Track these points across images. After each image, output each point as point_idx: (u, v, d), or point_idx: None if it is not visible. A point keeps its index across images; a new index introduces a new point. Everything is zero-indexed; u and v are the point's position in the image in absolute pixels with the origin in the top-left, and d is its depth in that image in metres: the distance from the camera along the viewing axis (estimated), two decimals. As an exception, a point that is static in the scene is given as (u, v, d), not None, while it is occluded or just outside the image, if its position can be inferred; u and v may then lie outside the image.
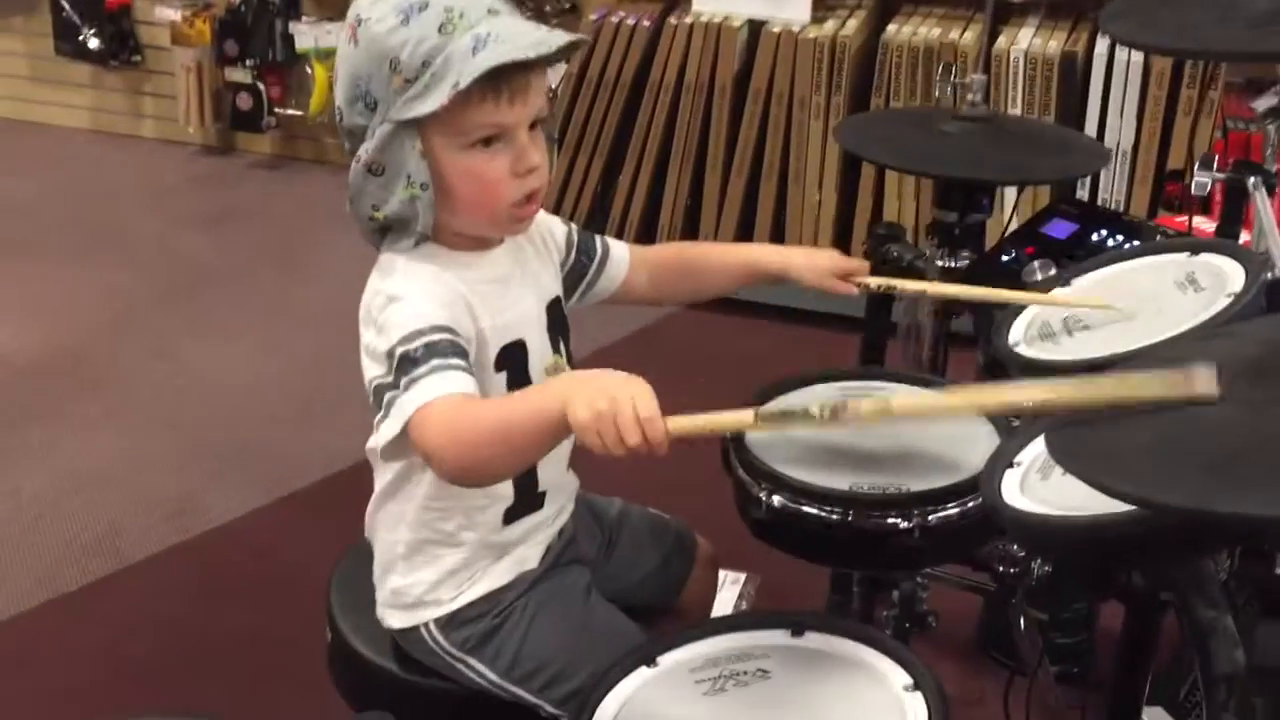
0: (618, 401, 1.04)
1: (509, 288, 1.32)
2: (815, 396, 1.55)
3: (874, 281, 1.54)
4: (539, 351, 1.34)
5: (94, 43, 4.25)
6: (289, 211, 3.95)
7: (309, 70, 4.03)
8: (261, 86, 4.12)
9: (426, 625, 1.35)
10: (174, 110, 4.25)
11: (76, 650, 2.19)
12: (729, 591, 2.29)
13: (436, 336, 1.19)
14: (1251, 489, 0.63)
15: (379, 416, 1.21)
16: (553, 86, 1.34)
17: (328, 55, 3.99)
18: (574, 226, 1.46)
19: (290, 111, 4.17)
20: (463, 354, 1.20)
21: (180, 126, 4.26)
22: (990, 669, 2.12)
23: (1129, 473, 0.69)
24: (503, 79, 1.18)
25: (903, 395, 1.13)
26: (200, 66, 4.13)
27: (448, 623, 1.35)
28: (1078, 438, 0.79)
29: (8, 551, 2.44)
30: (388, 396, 1.18)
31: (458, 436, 1.14)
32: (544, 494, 1.37)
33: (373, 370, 1.22)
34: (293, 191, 4.07)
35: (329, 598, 1.46)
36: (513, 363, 1.30)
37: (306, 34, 4.00)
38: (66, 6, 4.23)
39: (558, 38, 1.21)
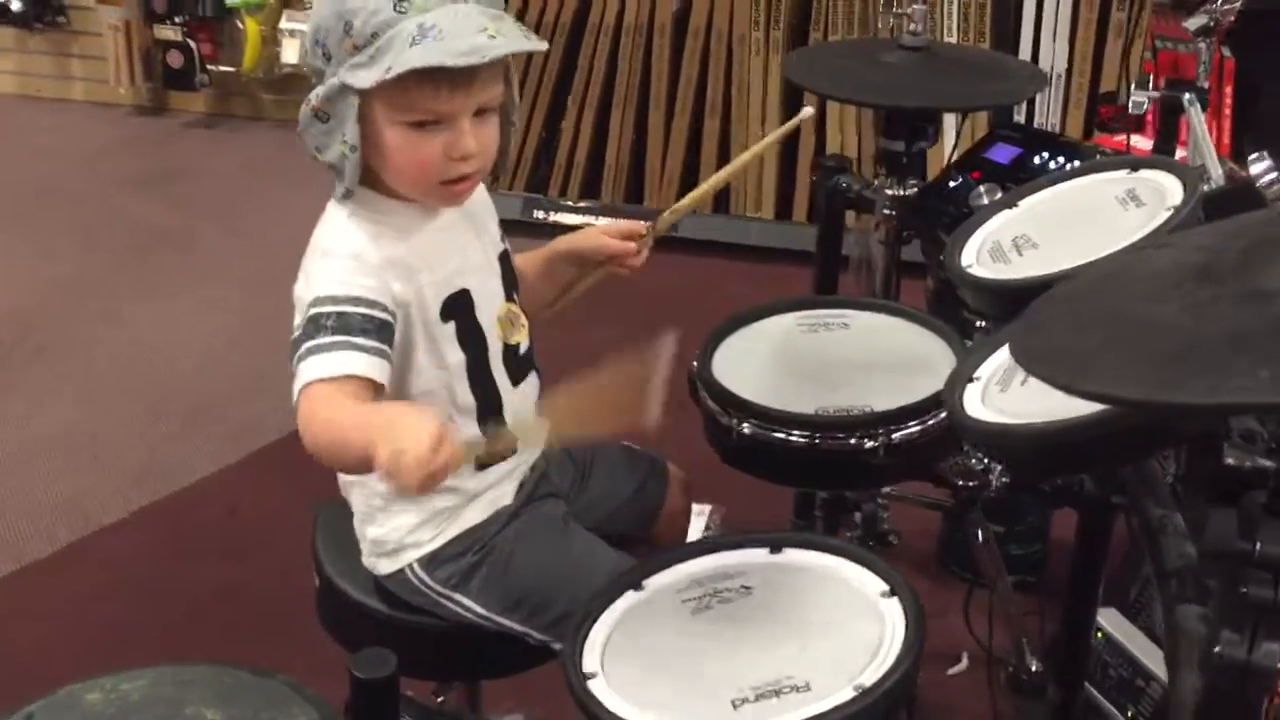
0: (398, 455, 1.07)
1: (453, 236, 1.34)
2: (768, 335, 1.61)
3: (644, 226, 1.53)
4: (489, 300, 1.36)
5: (16, 5, 4.16)
6: (229, 170, 3.91)
7: (240, 25, 3.97)
8: (192, 43, 4.06)
9: (410, 566, 1.39)
10: (103, 71, 4.18)
11: (48, 616, 2.19)
12: (696, 523, 2.34)
13: (351, 309, 1.22)
14: (1199, 379, 0.68)
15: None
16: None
17: (258, 9, 3.93)
18: None
19: (223, 68, 4.11)
20: (375, 329, 1.23)
21: (111, 88, 4.19)
22: (951, 583, 2.21)
23: (1090, 372, 0.74)
24: (442, 72, 1.19)
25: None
26: (128, 25, 4.06)
27: (430, 561, 1.38)
28: (1040, 345, 0.84)
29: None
30: (295, 357, 1.22)
31: (311, 427, 1.19)
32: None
33: (296, 317, 1.26)
34: (231, 149, 4.03)
35: (314, 544, 1.49)
36: (460, 313, 1.33)
37: (236, -13, 3.95)
38: (-16, -32, 4.14)
39: (497, 46, 1.19)
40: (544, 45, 1.29)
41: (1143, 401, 0.70)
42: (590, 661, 1.13)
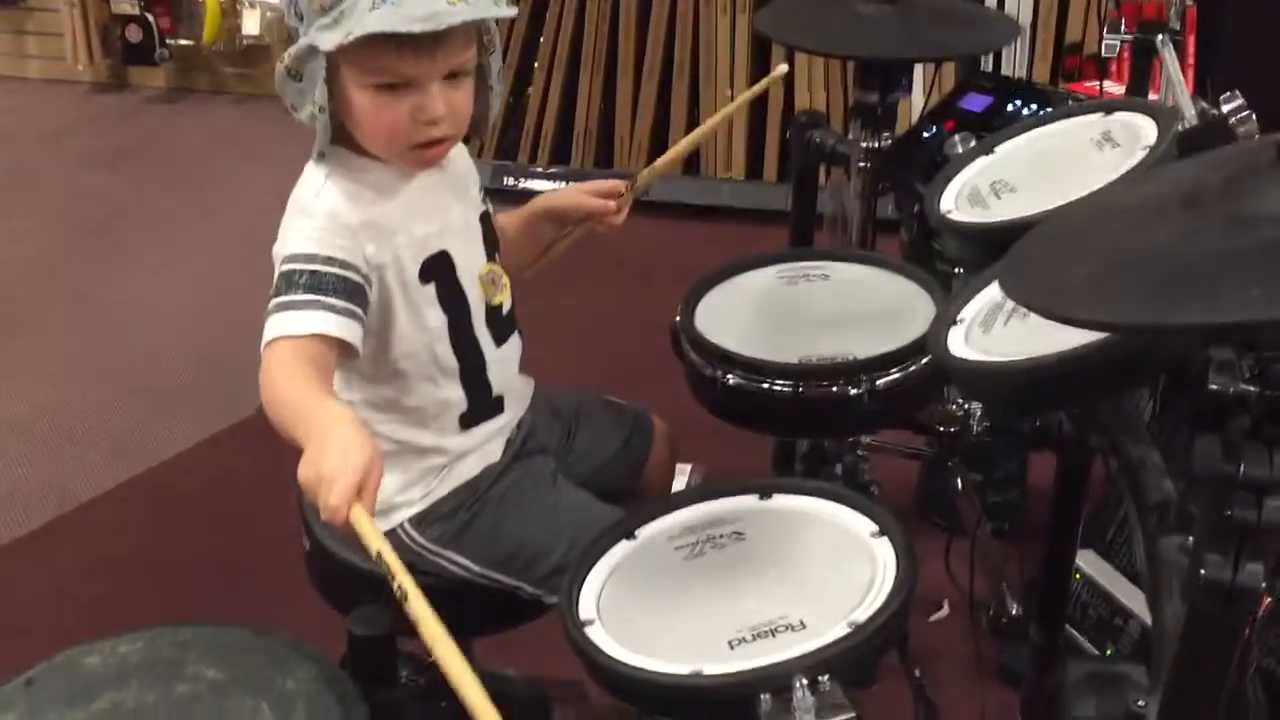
0: (320, 482, 1.04)
1: (433, 198, 1.34)
2: (749, 289, 1.61)
3: (623, 184, 1.54)
4: (469, 261, 1.37)
5: (-32, -18, 4.09)
6: (191, 144, 3.87)
7: (199, -3, 3.93)
8: (150, 18, 4.00)
9: (401, 525, 1.39)
10: (60, 48, 4.12)
11: (24, 595, 2.18)
12: (678, 482, 2.36)
13: (324, 268, 1.22)
14: (1192, 301, 0.70)
15: None
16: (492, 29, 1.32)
17: (217, -19, 3.89)
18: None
19: (183, 42, 4.06)
20: (347, 290, 1.22)
21: (69, 64, 4.13)
22: (930, 532, 2.24)
23: (1086, 301, 0.75)
24: (406, 36, 1.18)
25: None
26: (84, 1, 3.99)
27: (421, 520, 1.39)
28: (1031, 278, 0.85)
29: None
30: (266, 312, 1.21)
31: (265, 387, 1.17)
32: (500, 399, 1.41)
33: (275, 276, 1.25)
34: (192, 123, 3.99)
35: (302, 507, 1.49)
36: (440, 275, 1.33)
37: (193, -41, 3.90)
38: (-65, -54, 4.05)
39: (457, 13, 1.18)
40: (510, 11, 1.27)
41: (1141, 325, 0.72)
42: (586, 609, 1.15)
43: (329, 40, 1.19)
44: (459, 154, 1.39)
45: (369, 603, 1.18)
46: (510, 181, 3.42)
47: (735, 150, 3.37)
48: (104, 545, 2.30)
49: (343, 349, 1.21)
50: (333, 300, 1.21)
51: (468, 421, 1.38)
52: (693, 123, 3.35)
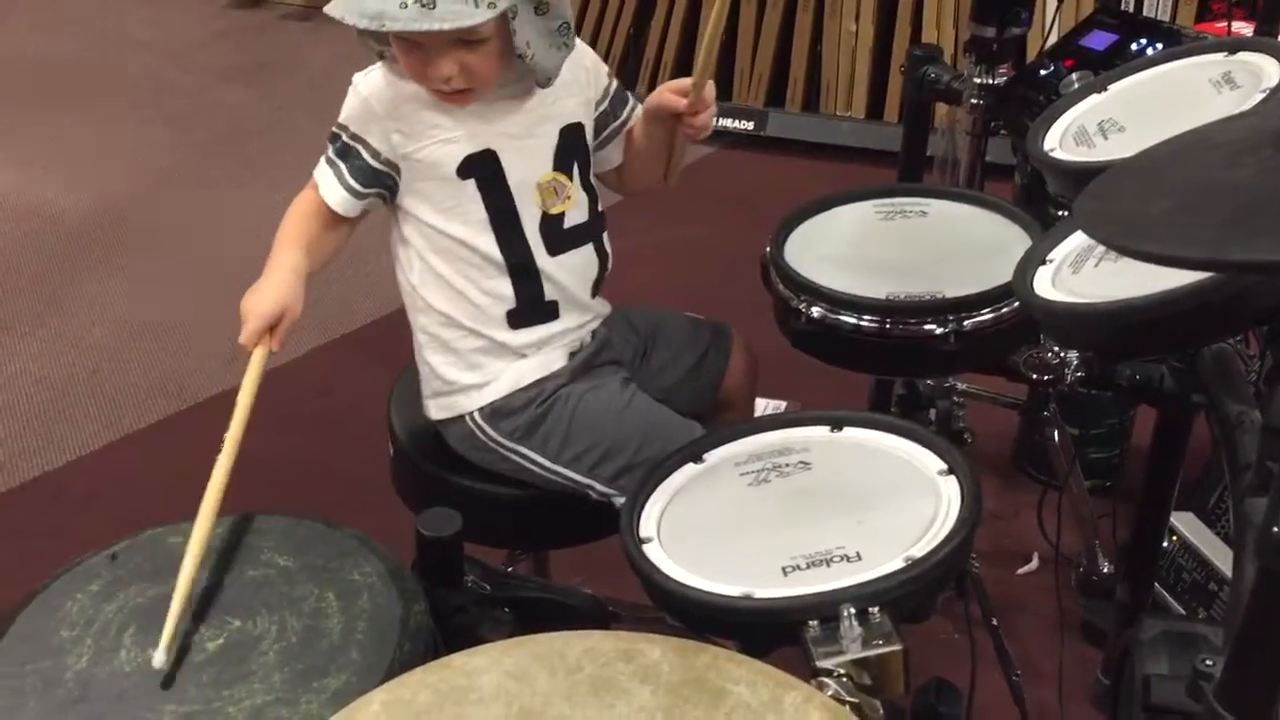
0: (243, 309, 1.33)
1: (485, 103, 1.36)
2: (843, 222, 1.58)
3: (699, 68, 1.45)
4: (526, 167, 1.39)
5: (117, -104, 4.20)
6: (324, 62, 3.94)
7: (335, -84, 3.98)
8: (289, -65, 4.07)
9: (472, 416, 1.42)
10: (201, -37, 4.23)
11: (146, 484, 2.29)
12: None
13: (348, 139, 1.39)
14: (1266, 238, 0.66)
15: None
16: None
17: (353, -101, 3.93)
18: (615, 82, 1.49)
19: (318, -41, 4.13)
20: (363, 171, 1.39)
21: (207, -21, 4.24)
22: (1025, 485, 2.19)
23: (1150, 233, 0.72)
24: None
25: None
26: (226, -83, 4.09)
27: (492, 414, 1.42)
28: (1105, 210, 0.82)
29: (72, 397, 2.55)
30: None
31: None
32: (554, 304, 1.43)
33: None
34: (325, 42, 4.05)
35: (389, 413, 1.53)
36: (483, 173, 1.37)
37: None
38: None
39: (402, 19, 1.22)
40: (459, 26, 1.25)
41: (1200, 260, 0.69)
42: (647, 527, 1.16)
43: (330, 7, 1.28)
44: (576, 59, 1.40)
45: (440, 506, 1.21)
46: (627, 111, 3.40)
47: (857, 88, 3.29)
48: (214, 444, 2.40)
49: (342, 219, 1.41)
50: (347, 176, 1.39)
51: (515, 320, 1.41)
52: (815, 54, 3.29)
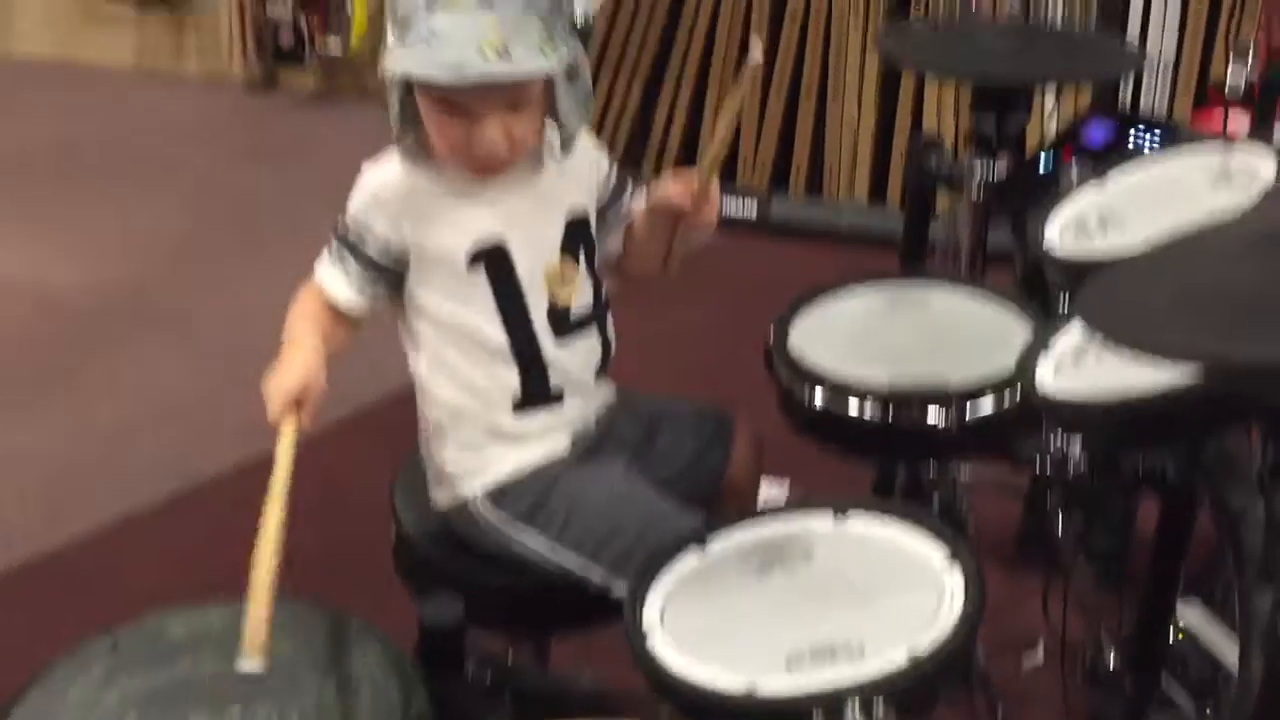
0: (266, 389, 1.35)
1: (496, 192, 1.38)
2: (847, 310, 1.60)
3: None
4: (533, 257, 1.40)
5: (137, -17, 4.31)
6: (335, 145, 4.00)
7: (348, 5, 4.06)
8: (303, 22, 4.16)
9: (475, 499, 1.42)
10: (218, 49, 4.31)
11: (151, 564, 2.29)
12: (774, 497, 2.34)
13: (353, 231, 1.39)
14: (1264, 340, 0.67)
15: None
16: (588, 16, 1.34)
17: (366, -12, 4.03)
18: (615, 170, 1.50)
19: (332, 47, 4.21)
20: (369, 268, 1.40)
21: (224, 64, 4.32)
22: (1030, 573, 2.17)
23: (1148, 329, 0.73)
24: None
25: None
26: (242, 4, 4.18)
27: (494, 498, 1.42)
28: (1105, 304, 0.83)
29: (84, 474, 2.54)
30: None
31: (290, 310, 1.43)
32: (560, 392, 1.43)
33: None
34: (337, 125, 4.12)
35: (392, 498, 1.53)
36: (492, 263, 1.39)
37: (345, -33, 4.04)
38: (109, -52, 4.29)
39: (486, 69, 1.23)
40: (537, 71, 1.28)
41: (1199, 360, 0.70)
42: (650, 617, 1.15)
43: (388, 58, 1.28)
44: (578, 151, 1.42)
45: (443, 593, 1.21)
46: (633, 193, 3.45)
47: (859, 173, 3.34)
48: (225, 522, 2.40)
49: (343, 317, 1.43)
50: (355, 268, 1.40)
51: (520, 405, 1.42)
52: (818, 140, 3.34)
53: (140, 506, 2.44)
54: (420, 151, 1.37)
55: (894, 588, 1.15)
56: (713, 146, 1.40)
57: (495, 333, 1.40)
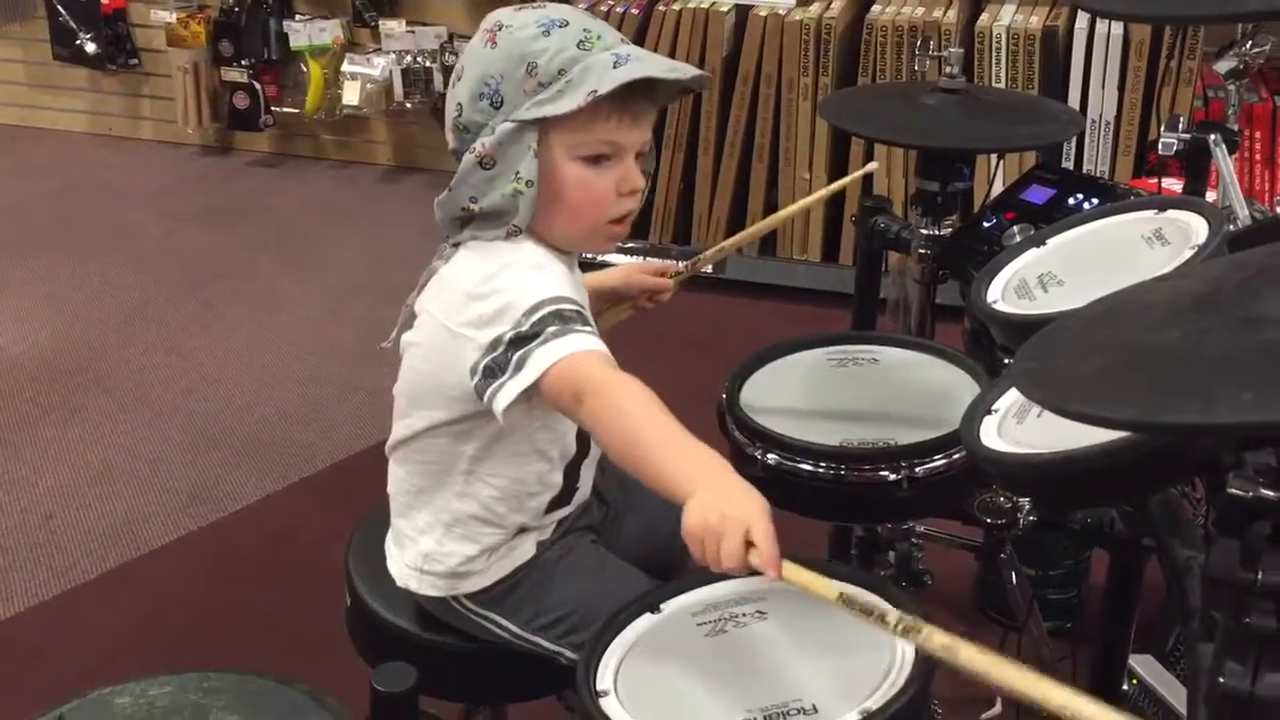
0: (726, 521, 1.05)
1: (578, 279, 1.39)
2: (797, 369, 1.62)
3: (676, 265, 1.62)
4: None
5: (91, 47, 4.31)
6: (289, 208, 4.01)
7: (304, 68, 4.09)
8: (258, 85, 4.18)
9: (459, 596, 1.40)
10: (172, 111, 4.31)
11: (99, 634, 2.25)
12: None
13: (566, 306, 1.23)
14: (1190, 401, 0.69)
15: (498, 378, 1.22)
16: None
17: (321, 53, 4.06)
18: None
19: (287, 109, 4.23)
20: (590, 322, 1.25)
21: (179, 127, 4.32)
22: (986, 626, 2.19)
23: (1082, 394, 0.75)
24: (630, 100, 1.27)
25: (969, 650, 1.00)
26: (197, 67, 4.19)
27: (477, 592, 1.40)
28: (1039, 370, 0.85)
29: (24, 546, 2.50)
30: (517, 353, 1.20)
31: (605, 411, 1.17)
32: (578, 489, 1.44)
33: (487, 334, 1.24)
34: (291, 188, 4.13)
35: (347, 564, 1.52)
36: None
37: (300, 32, 4.07)
38: (63, 11, 4.29)
39: (690, 68, 1.31)
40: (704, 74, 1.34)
41: (1129, 422, 0.72)
42: (604, 680, 1.15)
43: (562, 105, 1.25)
44: None
45: (396, 660, 1.20)
46: (588, 255, 3.47)
47: (812, 232, 3.39)
48: (170, 592, 2.37)
49: None
50: (588, 327, 1.23)
51: (551, 506, 1.41)
52: (771, 204, 3.39)
53: (84, 577, 2.41)
54: (523, 234, 1.32)
55: (845, 647, 1.16)
56: (733, 241, 1.44)
57: (568, 429, 1.37)
